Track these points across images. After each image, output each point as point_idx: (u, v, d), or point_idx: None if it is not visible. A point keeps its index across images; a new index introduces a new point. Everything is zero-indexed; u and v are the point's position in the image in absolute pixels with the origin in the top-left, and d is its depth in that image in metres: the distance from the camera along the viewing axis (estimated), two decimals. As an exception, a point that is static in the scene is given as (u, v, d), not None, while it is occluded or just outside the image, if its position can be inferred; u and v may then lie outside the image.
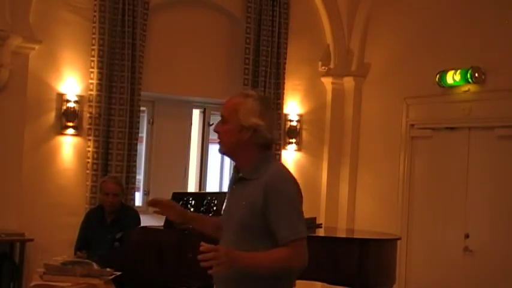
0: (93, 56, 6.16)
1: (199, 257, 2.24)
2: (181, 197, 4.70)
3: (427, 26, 6.72)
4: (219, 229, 2.67)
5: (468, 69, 6.03)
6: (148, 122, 6.87)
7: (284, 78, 7.14)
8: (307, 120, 7.46)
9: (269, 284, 2.44)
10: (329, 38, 7.52)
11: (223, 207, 2.75)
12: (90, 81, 6.18)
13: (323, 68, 7.52)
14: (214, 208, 4.67)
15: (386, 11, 7.28)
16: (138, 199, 6.69)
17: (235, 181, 2.60)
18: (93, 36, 6.17)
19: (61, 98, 6.12)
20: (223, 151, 2.60)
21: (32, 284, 3.66)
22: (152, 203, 2.73)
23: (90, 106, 6.16)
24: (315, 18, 7.50)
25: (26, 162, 5.94)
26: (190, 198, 4.69)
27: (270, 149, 2.60)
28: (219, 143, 2.58)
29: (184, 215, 2.76)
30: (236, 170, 2.62)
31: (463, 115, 6.22)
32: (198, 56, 6.88)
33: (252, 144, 2.51)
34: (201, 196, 5.01)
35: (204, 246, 2.25)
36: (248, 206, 2.44)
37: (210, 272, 2.27)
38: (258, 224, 2.43)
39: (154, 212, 2.75)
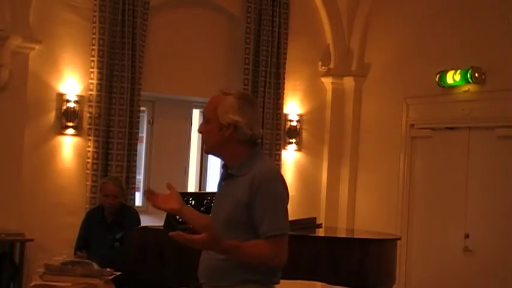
0: (93, 56, 6.16)
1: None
2: (181, 197, 4.67)
3: (427, 26, 6.72)
4: None
5: (468, 69, 6.03)
6: (148, 122, 6.88)
7: (284, 78, 7.14)
8: (307, 120, 7.46)
9: (252, 277, 2.45)
10: (329, 38, 7.52)
11: (213, 204, 2.75)
12: (90, 81, 6.18)
13: (323, 68, 7.52)
14: (214, 208, 4.66)
15: (386, 11, 7.28)
16: (138, 199, 6.68)
17: (224, 178, 2.61)
18: (93, 36, 6.17)
19: (61, 98, 6.12)
20: (207, 151, 2.67)
21: (32, 284, 3.66)
22: (149, 194, 2.70)
23: (90, 106, 6.17)
24: (315, 18, 7.50)
25: (26, 162, 5.94)
26: (190, 198, 4.68)
27: (257, 145, 2.60)
28: (204, 143, 2.65)
29: (182, 204, 2.73)
30: (225, 167, 2.62)
31: (463, 115, 6.22)
32: (198, 56, 6.88)
33: (235, 141, 2.52)
34: (201, 196, 5.00)
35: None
36: (234, 202, 2.46)
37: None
38: (242, 220, 2.44)
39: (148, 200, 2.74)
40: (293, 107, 7.37)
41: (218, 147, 2.57)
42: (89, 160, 6.15)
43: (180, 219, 4.40)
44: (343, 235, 6.16)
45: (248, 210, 2.43)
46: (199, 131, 2.62)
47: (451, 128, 6.42)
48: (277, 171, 2.58)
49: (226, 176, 2.58)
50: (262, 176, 2.45)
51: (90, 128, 6.16)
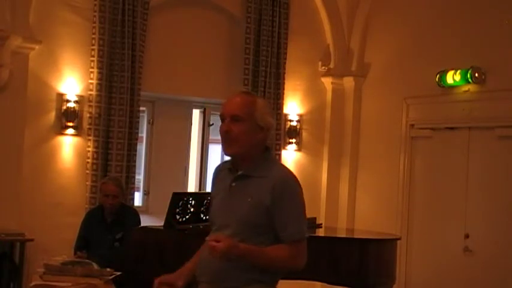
0: (93, 56, 6.16)
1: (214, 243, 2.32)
2: (181, 197, 4.69)
3: (427, 26, 6.72)
4: None
5: (468, 69, 6.03)
6: (148, 122, 6.87)
7: (284, 78, 7.14)
8: (307, 120, 7.46)
9: (253, 278, 2.46)
10: (329, 38, 7.52)
11: (213, 205, 2.71)
12: (90, 81, 6.18)
13: (323, 68, 7.52)
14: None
15: (386, 11, 7.28)
16: (138, 199, 6.69)
17: (234, 178, 2.57)
18: (93, 36, 6.17)
19: (61, 98, 6.12)
20: (236, 151, 2.53)
21: (32, 284, 3.66)
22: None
23: (90, 106, 6.17)
24: (315, 18, 7.50)
25: (26, 162, 5.94)
26: (190, 198, 4.68)
27: (269, 148, 2.63)
28: (230, 143, 2.51)
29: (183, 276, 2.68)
30: (234, 168, 2.59)
31: (463, 115, 6.22)
32: (198, 56, 6.88)
33: (262, 143, 2.55)
34: (201, 196, 5.00)
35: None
36: (254, 204, 2.46)
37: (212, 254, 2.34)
38: (262, 222, 2.45)
39: None
40: (293, 107, 7.37)
41: (249, 149, 2.52)
42: (89, 160, 6.15)
43: (180, 219, 4.41)
44: (343, 235, 6.16)
45: (269, 213, 2.44)
46: (227, 130, 2.49)
47: (451, 128, 6.42)
48: (294, 175, 2.57)
49: (237, 177, 2.56)
50: (284, 181, 2.49)
51: (90, 128, 6.16)
